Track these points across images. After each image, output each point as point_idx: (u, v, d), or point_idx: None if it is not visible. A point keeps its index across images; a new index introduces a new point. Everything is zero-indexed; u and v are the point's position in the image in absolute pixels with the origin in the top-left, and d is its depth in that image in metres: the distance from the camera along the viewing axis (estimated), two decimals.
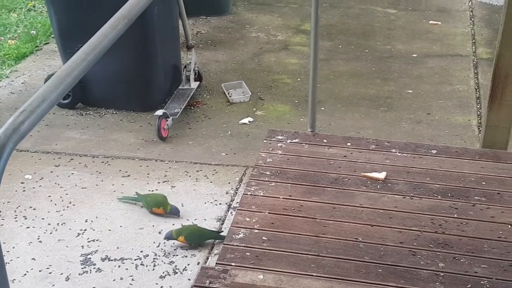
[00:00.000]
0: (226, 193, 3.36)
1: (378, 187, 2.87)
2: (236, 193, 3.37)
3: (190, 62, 4.27)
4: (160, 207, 3.18)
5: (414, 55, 4.86)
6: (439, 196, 2.81)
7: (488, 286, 2.34)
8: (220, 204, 3.28)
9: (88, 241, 3.04)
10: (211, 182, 3.47)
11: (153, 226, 3.14)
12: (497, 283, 2.35)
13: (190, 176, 3.52)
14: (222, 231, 3.09)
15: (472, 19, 5.46)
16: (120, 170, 3.56)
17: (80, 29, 3.72)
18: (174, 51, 4.38)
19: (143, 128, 4.00)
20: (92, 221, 3.17)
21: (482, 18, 5.47)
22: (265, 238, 2.59)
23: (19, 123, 1.10)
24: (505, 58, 3.01)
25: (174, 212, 3.18)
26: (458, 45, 5.04)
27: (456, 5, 5.77)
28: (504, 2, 2.95)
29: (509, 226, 2.63)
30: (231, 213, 3.20)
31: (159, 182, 3.46)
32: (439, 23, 5.40)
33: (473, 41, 5.09)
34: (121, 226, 3.14)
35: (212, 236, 3.08)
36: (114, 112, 4.17)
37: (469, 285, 2.35)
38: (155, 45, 4.03)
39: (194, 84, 4.29)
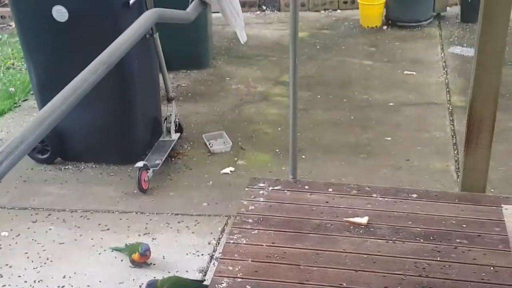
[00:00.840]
0: (208, 244, 3.34)
1: (361, 232, 2.86)
2: (219, 243, 3.35)
3: (170, 114, 4.31)
4: (136, 251, 3.15)
5: (391, 104, 4.94)
6: (421, 240, 2.81)
7: None
8: (202, 255, 3.26)
9: None
10: (193, 233, 3.45)
11: (134, 280, 3.10)
12: None
13: (171, 228, 3.50)
14: (205, 280, 3.06)
15: (446, 69, 5.58)
16: (99, 224, 3.53)
17: (59, 83, 3.71)
18: (155, 103, 4.41)
19: (123, 180, 3.99)
20: (70, 277, 3.12)
21: (455, 68, 5.59)
22: (248, 287, 2.57)
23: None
24: (479, 103, 3.05)
25: (145, 249, 3.13)
26: (433, 94, 5.13)
27: (429, 57, 5.90)
28: (475, 50, 3.04)
29: (491, 268, 2.64)
30: (214, 264, 3.18)
31: (139, 235, 3.43)
32: (414, 73, 5.51)
33: (447, 90, 5.19)
34: (100, 281, 3.09)
35: (195, 286, 3.04)
36: (94, 166, 4.16)
37: None
38: (135, 97, 4.06)
39: (175, 136, 4.31)
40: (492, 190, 3.43)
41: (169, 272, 3.12)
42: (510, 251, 2.74)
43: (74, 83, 1.45)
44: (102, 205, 3.72)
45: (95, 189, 3.90)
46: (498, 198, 3.12)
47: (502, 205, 3.04)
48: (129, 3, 3.84)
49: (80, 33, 3.79)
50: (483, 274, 2.60)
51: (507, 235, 2.83)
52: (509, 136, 4.30)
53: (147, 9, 4.10)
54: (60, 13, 3.76)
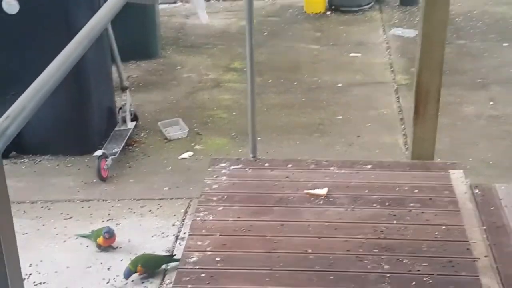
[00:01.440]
0: (173, 225, 3.41)
1: (321, 202, 2.99)
2: (183, 224, 3.41)
3: (125, 103, 4.34)
4: (99, 235, 3.20)
5: (340, 85, 5.08)
6: (378, 206, 2.96)
7: (430, 282, 2.49)
8: (167, 236, 3.32)
9: (34, 285, 3.00)
10: (156, 216, 3.50)
11: (101, 263, 3.14)
12: (439, 278, 2.51)
13: (134, 213, 3.54)
14: (175, 254, 3.14)
15: (389, 50, 5.77)
16: (61, 213, 3.54)
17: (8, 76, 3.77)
18: (109, 93, 4.44)
19: (82, 170, 4.00)
20: (37, 265, 3.12)
21: (397, 49, 5.79)
22: (218, 259, 2.66)
23: (4, 128, 1.17)
24: (424, 75, 3.19)
25: (106, 230, 3.17)
26: (379, 73, 5.31)
27: (373, 39, 6.07)
28: (419, 26, 3.17)
29: (443, 227, 2.81)
30: (180, 243, 3.23)
31: (103, 221, 3.46)
32: (359, 55, 5.68)
33: (392, 69, 5.37)
34: (68, 267, 3.12)
35: (167, 260, 3.12)
36: (50, 158, 4.15)
37: (413, 283, 2.49)
38: (89, 88, 4.09)
39: (130, 125, 4.34)
40: (439, 160, 3.61)
41: (135, 254, 3.15)
42: (459, 211, 2.92)
43: (52, 66, 1.51)
44: (62, 195, 3.72)
45: (53, 180, 3.91)
46: (445, 164, 3.30)
47: (449, 171, 3.22)
48: None
49: (32, 27, 3.78)
50: (436, 233, 2.77)
51: (455, 197, 3.01)
52: (451, 110, 4.51)
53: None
54: (9, 5, 3.75)
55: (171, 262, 3.12)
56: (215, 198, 3.04)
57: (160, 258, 3.10)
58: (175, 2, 6.90)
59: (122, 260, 3.15)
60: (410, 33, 6.04)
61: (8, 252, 0.83)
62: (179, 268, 2.65)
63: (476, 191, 3.17)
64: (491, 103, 4.66)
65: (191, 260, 2.66)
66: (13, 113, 1.20)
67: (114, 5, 1.90)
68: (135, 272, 2.99)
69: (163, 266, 3.10)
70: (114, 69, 4.46)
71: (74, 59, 1.52)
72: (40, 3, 3.79)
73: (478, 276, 2.53)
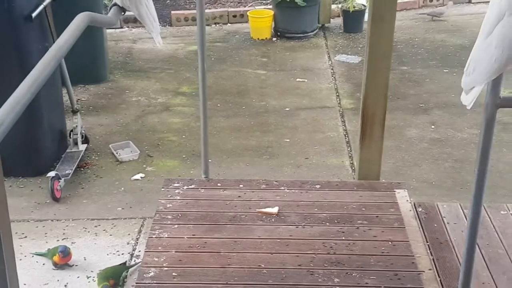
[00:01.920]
0: (127, 244, 3.44)
1: (273, 220, 3.08)
2: (137, 242, 3.45)
3: (76, 126, 4.35)
4: (55, 254, 3.22)
5: (287, 109, 5.21)
6: (327, 223, 3.07)
7: None
8: (122, 254, 3.35)
9: None
10: (110, 235, 3.53)
11: (58, 280, 3.15)
12: None
13: (89, 232, 3.56)
14: (126, 261, 3.20)
15: (334, 76, 5.93)
16: (16, 233, 3.51)
17: None
18: (59, 116, 4.44)
19: (34, 191, 3.99)
20: None
21: (342, 75, 5.97)
22: (175, 274, 2.72)
23: None
24: (370, 99, 3.30)
25: (61, 249, 3.19)
26: (324, 98, 5.46)
27: (318, 65, 6.23)
28: (365, 52, 3.31)
29: (389, 243, 2.93)
30: (134, 261, 3.30)
31: (58, 240, 3.47)
32: (306, 80, 5.81)
33: (337, 94, 5.53)
34: (25, 284, 3.10)
35: (127, 268, 3.18)
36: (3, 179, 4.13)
37: None
38: (40, 110, 4.10)
39: (82, 147, 4.34)
40: (383, 180, 3.75)
41: (92, 271, 3.19)
42: (404, 227, 3.06)
43: (27, 81, 1.59)
44: (16, 215, 3.68)
45: (8, 201, 3.88)
46: (391, 184, 3.44)
47: (394, 190, 3.37)
48: (31, 16, 3.89)
49: None
50: (383, 248, 2.89)
51: (401, 215, 3.15)
52: (394, 133, 4.69)
53: (48, 22, 4.19)
54: None
55: (129, 268, 3.19)
56: (169, 217, 3.10)
57: (120, 268, 3.16)
58: (121, 27, 6.93)
59: (78, 277, 3.17)
60: (354, 59, 6.26)
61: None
62: (137, 283, 2.70)
63: (420, 209, 3.29)
64: (433, 126, 4.85)
65: (149, 275, 2.72)
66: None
67: (76, 29, 2.00)
68: (110, 287, 3.04)
69: (124, 274, 3.15)
70: (64, 92, 4.49)
71: (37, 87, 1.58)
72: None
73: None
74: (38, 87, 1.59)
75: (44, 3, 4.02)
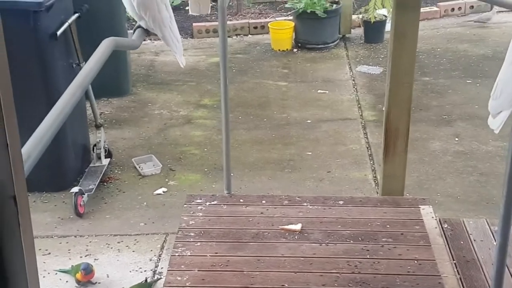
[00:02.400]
0: (150, 260, 3.43)
1: (296, 237, 3.05)
2: (160, 259, 3.44)
3: (99, 141, 4.36)
4: (78, 271, 3.21)
5: (309, 121, 5.18)
6: (351, 241, 3.03)
7: None
8: (145, 271, 3.33)
9: None
10: (133, 251, 3.52)
11: None
12: None
13: (112, 248, 3.55)
14: (147, 277, 3.18)
15: (355, 87, 5.90)
16: (40, 249, 3.51)
17: None
18: (83, 130, 4.46)
19: (58, 207, 3.99)
20: None
21: (364, 86, 5.93)
22: None
23: None
24: (393, 114, 3.28)
25: (84, 267, 3.18)
26: (346, 110, 5.43)
27: (339, 76, 6.21)
28: (388, 66, 3.29)
29: (415, 262, 2.89)
30: (157, 277, 3.28)
31: (81, 257, 3.46)
32: (327, 91, 5.79)
33: (359, 105, 5.50)
34: None
35: (149, 284, 3.16)
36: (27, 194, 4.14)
37: None
38: (64, 126, 4.06)
39: (105, 161, 4.35)
40: (407, 194, 3.70)
41: None
42: (430, 245, 3.01)
43: (57, 108, 1.58)
44: (40, 231, 3.70)
45: (32, 216, 3.87)
46: (415, 200, 3.40)
47: (419, 206, 3.32)
48: (56, 34, 3.90)
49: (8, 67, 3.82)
50: (409, 267, 2.84)
51: (426, 232, 3.10)
52: (417, 145, 4.64)
53: (74, 40, 4.20)
54: None
55: (151, 285, 3.17)
56: (192, 234, 3.08)
57: (144, 285, 3.13)
58: (144, 40, 6.95)
59: None
60: (375, 70, 6.21)
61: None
62: None
63: (446, 226, 3.25)
64: (456, 139, 4.79)
65: None
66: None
67: (102, 56, 1.99)
68: None
69: None
70: (87, 105, 4.49)
71: (63, 118, 1.58)
72: (12, 41, 3.82)
73: None
74: (64, 118, 1.58)
75: (69, 21, 4.05)
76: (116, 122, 5.24)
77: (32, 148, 1.40)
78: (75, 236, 3.69)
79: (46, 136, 1.48)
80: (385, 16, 6.67)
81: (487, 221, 3.31)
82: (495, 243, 2.28)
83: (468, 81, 5.81)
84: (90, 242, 3.63)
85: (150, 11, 2.44)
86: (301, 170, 4.44)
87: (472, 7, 7.34)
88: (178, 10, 7.67)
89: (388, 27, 6.18)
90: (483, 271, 2.93)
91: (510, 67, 1.87)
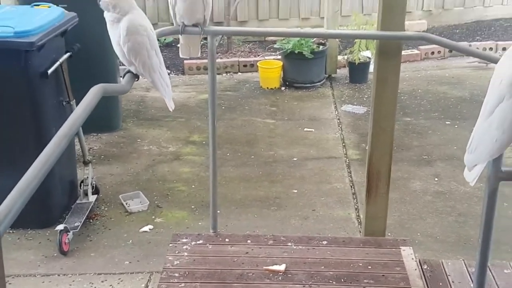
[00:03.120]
0: None
1: (280, 278, 3.01)
2: None
3: (87, 177, 4.31)
4: None
5: (295, 159, 5.17)
6: (334, 282, 2.99)
7: None
8: None
9: None
10: None
11: None
12: None
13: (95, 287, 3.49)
14: None
15: (340, 126, 5.91)
16: None
17: None
18: (71, 167, 4.41)
19: (42, 244, 3.91)
20: None
21: (348, 125, 5.94)
22: None
23: None
24: (376, 157, 3.27)
25: None
26: (331, 148, 5.42)
27: (325, 114, 6.21)
28: (371, 110, 3.30)
29: None
30: None
31: None
32: (313, 130, 5.79)
33: (343, 144, 5.50)
34: None
35: None
36: (11, 231, 4.00)
37: None
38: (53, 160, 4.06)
39: (92, 198, 4.29)
40: (389, 234, 3.68)
41: None
42: (410, 287, 2.99)
43: (41, 159, 1.55)
44: (23, 270, 3.63)
45: (14, 254, 3.79)
46: (396, 241, 3.38)
47: (400, 247, 3.30)
48: (47, 73, 3.87)
49: None
50: None
51: (406, 274, 3.07)
52: (399, 185, 4.63)
53: (64, 79, 4.16)
54: None
55: None
56: (176, 275, 3.02)
57: None
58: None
59: None
60: (360, 109, 6.24)
61: None
62: None
63: (425, 267, 3.22)
64: (436, 179, 4.80)
65: None
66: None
67: (90, 103, 1.96)
68: None
69: None
70: (76, 140, 4.44)
71: (48, 168, 1.55)
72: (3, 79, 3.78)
73: None
74: (49, 168, 1.55)
75: (61, 60, 4.04)
76: (105, 157, 5.19)
77: (12, 202, 1.36)
78: (59, 275, 3.61)
79: (28, 189, 1.46)
80: (369, 58, 6.73)
81: (464, 263, 3.29)
82: (471, 285, 2.24)
83: (447, 123, 5.85)
84: (73, 281, 3.55)
85: (140, 57, 2.42)
86: (287, 208, 4.41)
87: (451, 51, 7.42)
88: (170, 47, 7.69)
89: (371, 68, 6.21)
90: None
91: (484, 122, 1.87)
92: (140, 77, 2.49)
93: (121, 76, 2.53)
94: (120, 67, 5.33)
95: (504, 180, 2.00)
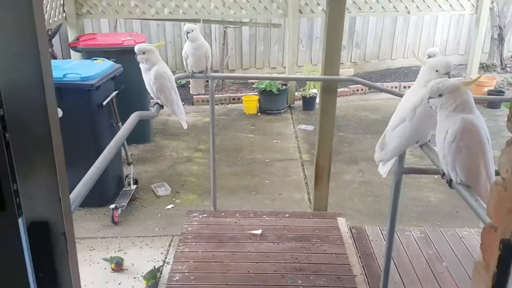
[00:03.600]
0: (161, 254, 3.33)
1: (258, 239, 3.04)
2: (168, 253, 3.34)
3: (130, 173, 4.29)
4: (112, 262, 3.11)
5: (267, 160, 5.16)
6: (293, 241, 3.03)
7: None
8: (157, 261, 3.23)
9: None
10: (150, 247, 3.41)
11: (114, 280, 3.03)
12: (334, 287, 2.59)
13: (136, 245, 3.44)
14: (154, 266, 3.08)
15: (297, 138, 5.90)
16: (87, 246, 3.41)
17: None
18: (119, 166, 4.37)
19: (101, 217, 3.88)
20: None
21: (302, 138, 5.93)
22: (192, 278, 2.65)
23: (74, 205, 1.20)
24: (320, 159, 3.34)
25: (116, 262, 3.10)
26: (291, 153, 5.42)
27: (287, 131, 6.20)
28: (317, 128, 3.34)
29: (334, 255, 2.90)
30: (165, 265, 3.17)
31: (115, 251, 3.35)
32: (279, 141, 5.77)
33: (299, 151, 5.49)
34: (92, 283, 3.00)
35: (158, 269, 3.06)
36: (80, 209, 3.98)
37: None
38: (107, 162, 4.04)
39: (133, 187, 4.26)
40: (330, 209, 3.69)
41: (137, 274, 3.07)
42: (343, 244, 3.03)
43: (101, 160, 1.56)
44: (88, 234, 3.59)
45: (83, 224, 3.75)
46: (334, 214, 3.43)
47: (337, 218, 3.35)
48: (102, 104, 3.87)
49: (71, 127, 3.74)
50: (330, 258, 2.86)
51: (341, 235, 3.11)
52: (336, 177, 4.60)
53: (114, 108, 4.16)
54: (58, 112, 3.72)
55: (159, 269, 3.08)
56: (190, 237, 3.04)
57: (156, 270, 3.04)
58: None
59: (128, 277, 3.04)
60: (310, 128, 6.25)
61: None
62: (167, 284, 2.61)
63: (354, 230, 3.27)
64: (360, 173, 4.83)
65: (174, 279, 2.64)
66: (74, 196, 1.24)
67: (131, 125, 1.97)
68: (155, 282, 2.92)
69: (158, 274, 3.04)
70: (122, 149, 4.43)
71: (102, 169, 1.55)
72: (75, 109, 3.76)
73: (356, 287, 2.61)
74: (104, 167, 1.55)
75: (111, 96, 4.02)
76: (141, 160, 5.15)
77: (78, 192, 1.37)
78: (112, 237, 3.58)
79: (89, 183, 1.46)
80: (316, 93, 6.76)
81: (379, 228, 3.34)
82: (384, 242, 2.29)
83: (367, 136, 5.88)
84: (121, 241, 3.52)
85: (164, 94, 2.45)
86: (262, 193, 4.41)
87: (370, 88, 7.50)
88: (184, 87, 7.63)
89: (318, 100, 6.27)
90: (377, 261, 2.94)
91: (391, 133, 1.91)
92: (164, 107, 2.51)
93: (151, 106, 2.54)
94: (151, 100, 5.34)
95: (406, 173, 2.04)
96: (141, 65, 2.44)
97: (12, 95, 0.65)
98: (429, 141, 1.82)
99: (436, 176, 1.64)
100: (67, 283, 0.70)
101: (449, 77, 1.71)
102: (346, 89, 7.72)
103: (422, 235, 3.20)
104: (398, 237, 3.15)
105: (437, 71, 1.74)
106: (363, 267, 2.82)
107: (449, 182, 1.49)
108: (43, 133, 0.66)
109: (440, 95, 1.47)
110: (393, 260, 2.86)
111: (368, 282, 2.67)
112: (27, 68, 0.66)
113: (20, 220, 0.64)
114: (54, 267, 0.69)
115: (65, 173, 0.71)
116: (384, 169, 1.96)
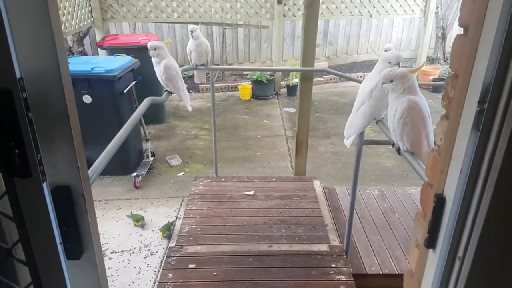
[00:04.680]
0: (174, 211, 3.33)
1: (251, 198, 3.05)
2: (179, 210, 3.35)
3: (148, 147, 4.26)
4: (135, 220, 3.12)
5: (259, 137, 5.13)
6: (279, 199, 3.05)
7: (304, 237, 2.60)
8: (171, 217, 3.25)
9: (102, 244, 2.88)
10: (166, 206, 3.41)
11: (137, 232, 3.03)
12: (309, 235, 2.61)
13: (154, 205, 3.44)
14: (168, 221, 3.09)
15: (282, 119, 5.86)
16: (115, 206, 3.41)
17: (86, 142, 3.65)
18: (139, 142, 4.33)
19: (125, 183, 3.86)
20: (102, 234, 3.00)
21: (286, 118, 5.88)
22: (198, 229, 2.67)
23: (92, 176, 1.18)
24: (300, 135, 3.33)
25: (137, 218, 3.11)
26: (277, 130, 5.39)
27: (274, 113, 6.14)
28: (297, 110, 3.31)
29: (311, 209, 2.92)
30: (178, 220, 3.19)
31: (137, 210, 3.34)
32: (268, 121, 5.74)
33: (284, 128, 5.47)
34: (119, 235, 3.00)
35: (172, 223, 3.07)
36: (107, 176, 3.97)
37: (296, 238, 2.59)
38: (128, 139, 3.98)
39: (151, 159, 4.24)
40: (308, 174, 3.71)
41: (155, 227, 3.09)
42: (318, 201, 3.05)
43: (119, 135, 1.53)
44: (115, 196, 3.59)
45: (110, 188, 3.74)
46: (311, 178, 3.43)
47: (313, 180, 3.37)
48: (123, 92, 3.81)
49: (98, 110, 3.69)
50: (307, 212, 2.88)
51: (316, 194, 3.14)
52: (312, 149, 4.59)
53: (133, 95, 4.09)
54: (87, 99, 3.66)
55: (173, 223, 3.09)
56: (196, 197, 3.04)
57: (170, 224, 3.06)
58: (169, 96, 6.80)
59: (147, 230, 3.06)
60: (292, 110, 6.20)
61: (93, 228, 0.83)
62: (178, 234, 2.63)
63: (326, 190, 3.29)
64: (332, 145, 4.82)
65: (184, 230, 2.65)
66: (95, 166, 1.22)
67: (143, 107, 1.93)
68: (169, 233, 2.93)
69: (171, 227, 3.05)
70: (141, 128, 4.38)
71: (121, 141, 1.52)
72: (102, 96, 3.70)
73: (327, 234, 2.64)
74: (121, 141, 1.52)
75: (130, 85, 3.94)
76: (157, 137, 5.10)
77: (100, 161, 1.34)
78: (134, 199, 3.57)
79: (110, 153, 1.43)
80: (297, 82, 6.68)
81: (346, 188, 3.36)
82: (349, 199, 2.31)
83: (338, 116, 5.84)
84: (142, 202, 3.51)
85: (172, 83, 2.40)
86: (254, 162, 4.40)
87: (340, 78, 7.42)
88: (191, 78, 7.50)
89: (298, 87, 6.20)
90: (343, 213, 2.97)
91: (354, 114, 1.90)
92: (172, 93, 2.47)
93: (163, 92, 2.50)
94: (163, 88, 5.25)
95: (365, 144, 2.04)
96: (153, 59, 2.39)
97: (33, 80, 0.62)
98: (383, 118, 1.82)
99: (391, 147, 1.64)
100: (87, 235, 0.69)
101: (399, 67, 1.69)
102: (321, 78, 7.65)
103: (379, 193, 3.24)
104: (360, 194, 3.19)
105: (389, 62, 1.72)
106: (333, 218, 2.86)
107: (398, 150, 1.50)
108: (62, 112, 0.64)
109: (391, 81, 1.46)
110: (356, 212, 2.90)
111: (337, 229, 2.71)
112: (46, 58, 0.63)
113: (44, 185, 0.63)
114: (76, 222, 0.68)
115: (81, 145, 0.69)
116: (348, 142, 1.96)
